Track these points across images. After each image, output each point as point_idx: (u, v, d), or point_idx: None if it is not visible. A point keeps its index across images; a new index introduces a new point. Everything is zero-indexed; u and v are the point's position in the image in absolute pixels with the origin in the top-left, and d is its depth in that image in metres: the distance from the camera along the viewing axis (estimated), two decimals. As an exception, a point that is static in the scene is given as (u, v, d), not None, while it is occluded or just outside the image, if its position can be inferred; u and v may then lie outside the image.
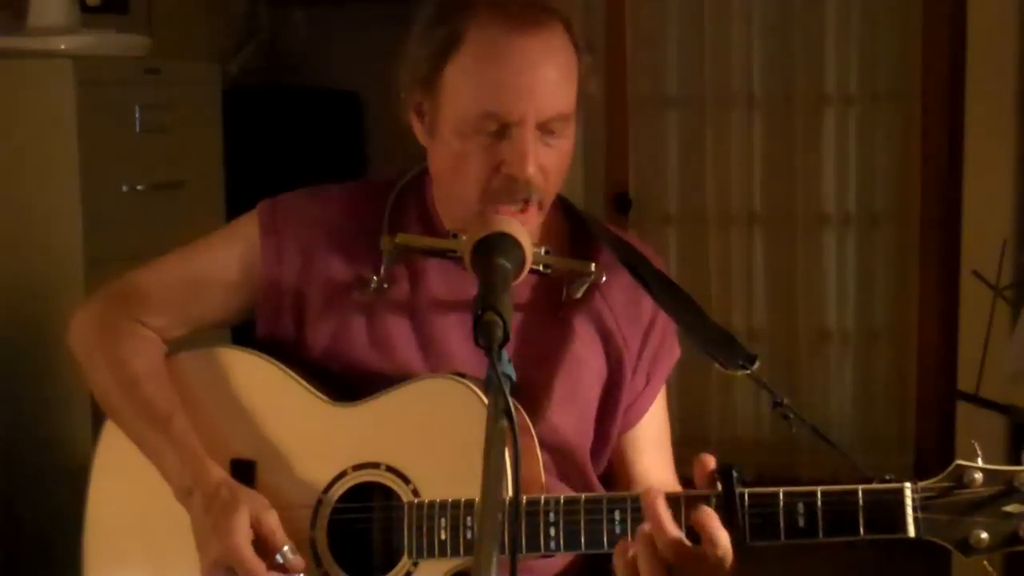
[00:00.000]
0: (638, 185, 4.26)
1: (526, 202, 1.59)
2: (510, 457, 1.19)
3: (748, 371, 1.63)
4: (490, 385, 1.25)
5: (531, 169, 1.55)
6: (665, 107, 4.25)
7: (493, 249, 1.47)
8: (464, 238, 1.55)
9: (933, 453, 4.02)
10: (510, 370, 1.26)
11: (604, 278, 1.64)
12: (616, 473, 1.74)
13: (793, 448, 4.06)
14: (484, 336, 1.30)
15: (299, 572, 1.57)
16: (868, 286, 4.18)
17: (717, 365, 1.65)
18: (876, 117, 4.12)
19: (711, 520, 1.38)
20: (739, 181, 4.18)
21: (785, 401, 1.61)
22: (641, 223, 4.21)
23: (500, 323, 1.31)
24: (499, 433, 1.20)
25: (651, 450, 1.75)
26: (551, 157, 1.58)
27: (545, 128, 1.57)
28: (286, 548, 1.56)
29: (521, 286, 1.54)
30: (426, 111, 1.63)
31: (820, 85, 4.11)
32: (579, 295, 1.66)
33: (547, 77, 1.56)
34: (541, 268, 1.60)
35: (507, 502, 1.22)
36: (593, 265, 1.63)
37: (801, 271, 4.16)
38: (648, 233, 4.16)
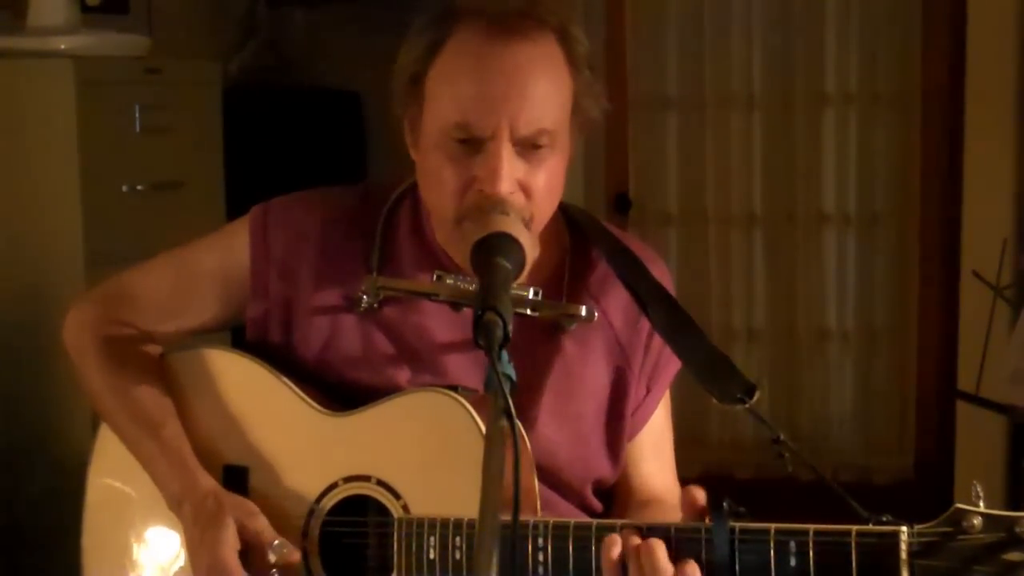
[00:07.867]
0: (638, 185, 4.26)
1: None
2: (510, 457, 1.17)
3: (746, 405, 1.57)
4: (490, 385, 1.23)
5: (504, 186, 1.49)
6: (665, 107, 4.25)
7: (493, 249, 1.44)
8: (449, 281, 1.54)
9: (933, 453, 4.02)
10: (510, 370, 1.25)
11: (596, 317, 1.60)
12: (618, 481, 1.73)
13: (793, 448, 4.05)
14: (484, 336, 1.28)
15: (295, 562, 1.56)
16: (868, 286, 4.18)
17: (713, 399, 1.60)
18: (876, 117, 4.12)
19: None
20: (739, 181, 4.18)
21: (782, 438, 1.55)
22: (641, 223, 4.20)
23: (500, 323, 1.29)
24: (499, 433, 1.19)
25: (651, 458, 1.74)
26: (535, 176, 1.52)
27: (526, 144, 1.50)
28: (276, 543, 1.55)
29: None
30: (412, 120, 1.59)
31: (820, 85, 4.11)
32: (571, 328, 1.63)
33: (526, 90, 1.49)
34: (528, 312, 1.55)
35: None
36: (584, 309, 1.58)
37: (801, 271, 4.16)
38: (648, 233, 4.16)
